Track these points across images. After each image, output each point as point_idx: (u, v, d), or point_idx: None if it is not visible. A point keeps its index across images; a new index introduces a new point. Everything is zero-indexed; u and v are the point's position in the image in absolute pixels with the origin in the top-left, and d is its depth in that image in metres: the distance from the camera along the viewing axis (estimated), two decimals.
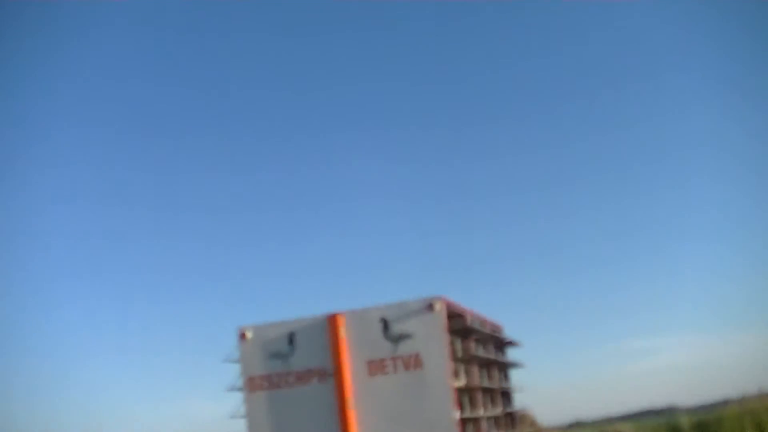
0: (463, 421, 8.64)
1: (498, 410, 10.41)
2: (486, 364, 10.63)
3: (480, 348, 10.30)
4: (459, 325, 8.89)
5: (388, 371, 8.79)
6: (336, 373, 8.91)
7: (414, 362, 8.72)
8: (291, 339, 9.20)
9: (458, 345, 9.35)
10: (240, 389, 9.28)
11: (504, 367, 12.06)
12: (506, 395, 11.95)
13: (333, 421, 8.71)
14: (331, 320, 8.93)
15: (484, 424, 9.68)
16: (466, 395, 9.53)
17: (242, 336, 9.31)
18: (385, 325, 8.86)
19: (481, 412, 9.64)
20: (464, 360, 9.52)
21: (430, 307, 8.71)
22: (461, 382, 8.99)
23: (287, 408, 9.05)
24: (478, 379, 9.86)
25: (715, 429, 25.80)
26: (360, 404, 8.81)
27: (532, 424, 74.63)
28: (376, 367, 8.85)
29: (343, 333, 8.97)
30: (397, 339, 8.82)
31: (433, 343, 8.69)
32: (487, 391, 10.15)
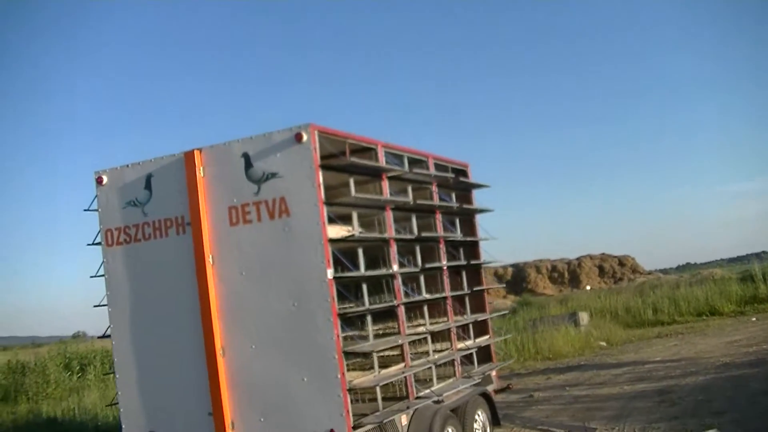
0: (341, 280, 6.75)
1: (439, 266, 8.42)
2: (424, 211, 8.59)
3: (409, 191, 8.24)
4: (353, 161, 6.92)
5: (251, 219, 6.95)
6: (193, 223, 7.14)
7: (280, 208, 6.83)
8: (148, 183, 7.44)
9: (352, 185, 7.35)
10: (99, 243, 7.66)
11: (467, 215, 9.94)
12: (469, 247, 9.87)
13: (191, 279, 7.01)
14: (189, 158, 7.09)
15: (398, 283, 7.76)
16: (367, 249, 7.61)
17: (99, 181, 7.63)
18: (248, 162, 6.94)
19: (394, 268, 7.70)
20: (365, 205, 7.54)
21: (297, 137, 6.71)
22: (340, 232, 7.03)
23: (145, 265, 7.45)
24: (392, 229, 7.85)
25: None
26: (220, 259, 7.08)
27: (634, 268, 72.21)
28: (237, 214, 7.01)
29: (201, 174, 7.11)
30: (261, 180, 6.91)
31: (301, 183, 6.74)
32: (415, 244, 8.15)
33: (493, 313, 11.47)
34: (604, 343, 20.89)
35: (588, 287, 65.02)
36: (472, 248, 10.20)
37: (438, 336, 9.03)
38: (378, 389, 7.27)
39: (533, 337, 20.65)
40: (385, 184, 7.90)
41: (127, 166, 7.54)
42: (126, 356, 7.48)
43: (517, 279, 73.14)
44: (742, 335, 18.55)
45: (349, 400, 6.60)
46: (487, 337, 10.22)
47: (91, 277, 7.82)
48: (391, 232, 7.85)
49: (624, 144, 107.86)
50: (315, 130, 6.79)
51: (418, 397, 7.75)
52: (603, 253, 76.89)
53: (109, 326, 7.60)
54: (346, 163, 7.07)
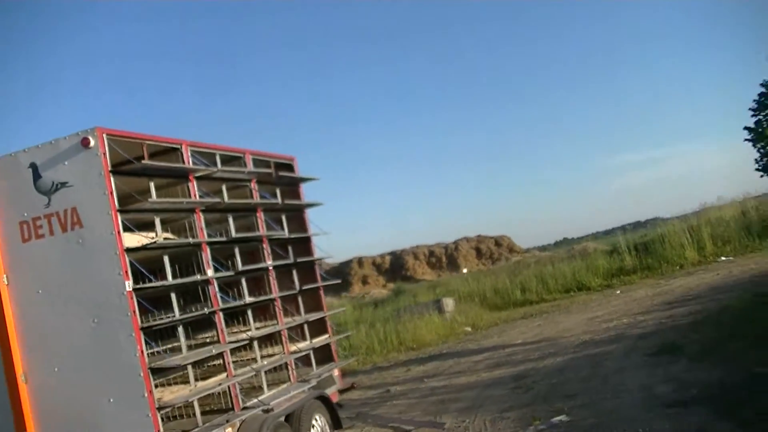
0: (145, 292, 6.38)
1: (261, 266, 8.14)
2: (243, 210, 8.28)
3: (224, 190, 7.91)
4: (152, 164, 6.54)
5: (43, 233, 6.49)
6: None
7: (72, 219, 6.41)
8: None
9: (152, 189, 6.97)
10: None
11: (295, 211, 9.69)
12: (299, 244, 9.63)
13: None
14: None
15: (214, 289, 7.44)
16: (179, 255, 7.26)
17: None
18: (36, 172, 6.47)
19: (209, 273, 7.37)
20: (168, 209, 7.18)
21: (84, 142, 6.29)
22: (140, 240, 6.65)
23: None
24: (203, 232, 7.51)
25: (655, 247, 24.87)
26: (15, 279, 6.58)
27: (511, 248, 73.70)
28: (29, 228, 6.54)
29: None
30: (51, 190, 6.47)
31: (91, 191, 6.35)
32: (234, 246, 7.84)
33: (334, 310, 11.27)
34: (468, 329, 21.02)
35: (465, 270, 65.94)
36: (303, 245, 9.94)
37: (268, 340, 8.76)
38: (196, 403, 6.93)
39: (396, 328, 20.58)
40: (193, 185, 7.55)
41: None
42: None
43: (395, 267, 73.44)
44: (604, 310, 18.76)
45: (159, 420, 6.25)
46: (325, 336, 9.99)
47: None
48: (202, 235, 7.51)
49: (504, 122, 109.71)
50: (103, 134, 6.38)
51: (244, 408, 7.45)
52: (479, 235, 78.02)
53: None
54: (140, 166, 6.69)
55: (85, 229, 6.35)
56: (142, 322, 6.42)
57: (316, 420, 8.59)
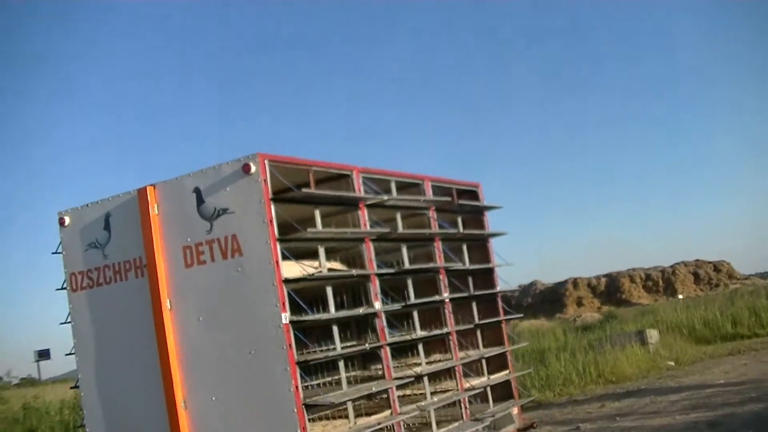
0: (299, 324, 6.12)
1: (436, 299, 7.70)
2: (419, 240, 7.88)
3: (398, 219, 7.54)
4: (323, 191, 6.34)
5: (205, 259, 6.39)
6: (149, 265, 6.62)
7: (232, 246, 6.24)
8: (107, 223, 6.98)
9: (318, 218, 6.67)
10: (65, 288, 7.24)
11: (477, 240, 9.14)
12: (480, 276, 9.06)
13: (149, 325, 6.49)
14: (142, 195, 6.59)
15: (382, 322, 7.06)
16: (347, 286, 6.98)
17: (61, 222, 7.24)
18: (199, 197, 6.39)
19: (376, 306, 7.00)
20: (335, 238, 6.88)
21: (245, 169, 6.12)
22: (302, 270, 6.38)
23: (108, 311, 6.99)
24: (372, 263, 7.12)
25: None
26: (177, 304, 6.53)
27: (730, 274, 69.12)
28: (192, 254, 6.45)
29: (155, 212, 6.60)
30: (212, 216, 6.35)
31: (251, 219, 6.15)
32: (406, 277, 7.45)
33: (521, 343, 10.59)
34: (671, 363, 19.54)
35: (681, 296, 62.81)
36: (485, 276, 9.34)
37: (440, 374, 8.26)
38: None
39: (596, 359, 19.42)
40: (364, 213, 7.20)
41: (87, 205, 7.10)
42: (94, 410, 7.02)
43: (611, 289, 71.38)
44: None
45: None
46: (505, 372, 9.34)
47: (60, 324, 7.42)
48: (371, 266, 7.13)
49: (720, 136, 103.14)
50: (264, 160, 6.17)
51: None
52: (697, 260, 74.33)
53: (78, 376, 7.14)
54: (301, 194, 6.41)
55: (245, 257, 6.16)
56: (300, 354, 6.12)
57: None
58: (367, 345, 6.93)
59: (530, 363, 17.31)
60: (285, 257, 6.20)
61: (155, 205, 6.63)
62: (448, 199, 8.62)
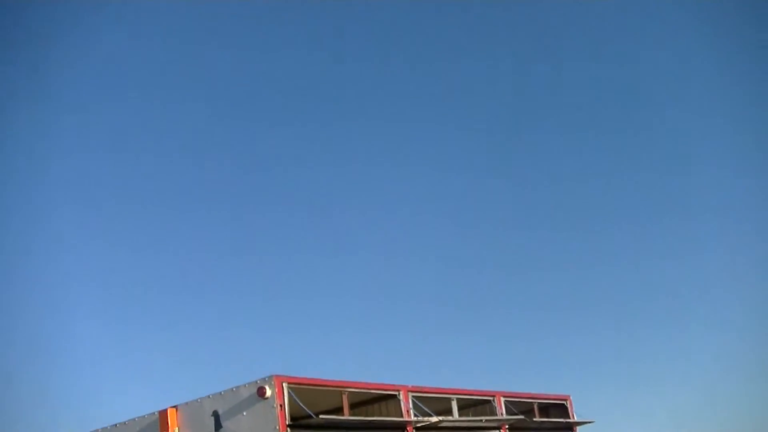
0: None
1: None
2: None
3: None
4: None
5: None
6: None
7: None
8: None
9: None
10: None
11: None
12: None
13: None
14: (162, 418, 6.08)
15: None
16: None
17: None
18: (217, 421, 5.78)
19: None
20: None
21: (260, 392, 5.47)
22: None
23: None
24: None
25: None
26: None
27: None
28: None
29: None
30: None
31: None
32: None
33: None
34: None
35: None
36: None
37: None
38: None
39: None
40: None
41: (116, 425, 6.65)
42: None
43: None
44: None
45: None
46: None
47: None
48: None
49: None
50: (282, 382, 5.49)
51: None
52: None
53: None
54: (319, 422, 5.62)
55: None
56: None
57: None
58: None
59: None
60: None
61: (176, 428, 6.07)
62: (521, 417, 7.55)
